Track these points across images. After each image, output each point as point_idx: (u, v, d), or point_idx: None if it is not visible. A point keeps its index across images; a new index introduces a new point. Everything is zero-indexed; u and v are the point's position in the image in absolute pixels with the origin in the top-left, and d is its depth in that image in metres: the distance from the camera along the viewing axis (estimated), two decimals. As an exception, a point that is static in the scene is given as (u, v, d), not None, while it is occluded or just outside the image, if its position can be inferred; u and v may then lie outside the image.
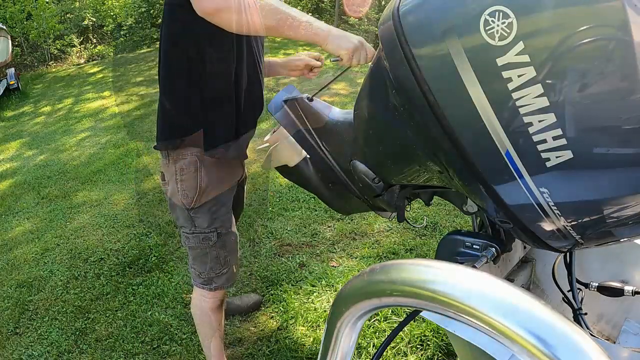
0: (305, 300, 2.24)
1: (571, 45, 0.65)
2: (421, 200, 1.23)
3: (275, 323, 2.14)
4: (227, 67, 1.33)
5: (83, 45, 11.14)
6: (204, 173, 1.42)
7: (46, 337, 2.25)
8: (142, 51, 10.44)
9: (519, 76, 0.68)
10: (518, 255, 1.37)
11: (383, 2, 9.03)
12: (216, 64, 1.31)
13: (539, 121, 0.69)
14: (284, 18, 1.13)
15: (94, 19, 11.55)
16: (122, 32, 11.32)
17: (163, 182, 1.51)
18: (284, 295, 2.29)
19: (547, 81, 0.67)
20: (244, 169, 1.62)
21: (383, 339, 1.54)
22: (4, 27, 8.13)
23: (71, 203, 3.71)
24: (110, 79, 8.26)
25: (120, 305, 2.39)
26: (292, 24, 1.14)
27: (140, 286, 2.51)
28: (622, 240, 0.86)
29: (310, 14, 10.48)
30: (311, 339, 2.00)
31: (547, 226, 0.80)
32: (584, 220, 0.77)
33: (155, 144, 1.45)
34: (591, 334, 1.15)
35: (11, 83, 7.80)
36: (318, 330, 2.09)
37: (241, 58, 1.36)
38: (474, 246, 1.03)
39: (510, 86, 0.69)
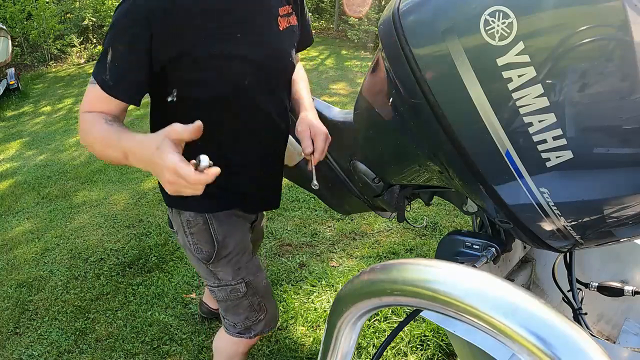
0: (305, 300, 2.24)
1: (571, 45, 0.65)
2: (421, 200, 1.23)
3: (275, 323, 2.14)
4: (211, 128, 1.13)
5: (83, 45, 11.13)
6: (217, 225, 1.26)
7: (46, 337, 2.25)
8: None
9: (519, 76, 0.68)
10: (518, 255, 1.37)
11: (383, 2, 9.03)
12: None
13: (539, 121, 0.69)
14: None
15: (94, 19, 11.54)
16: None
17: (171, 229, 1.35)
18: (284, 295, 2.29)
19: (547, 81, 0.67)
20: None
21: (383, 339, 1.54)
22: (4, 27, 8.12)
23: (71, 203, 3.71)
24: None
25: (120, 305, 2.39)
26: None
27: (140, 286, 2.51)
28: (622, 240, 0.86)
29: (311, 14, 10.47)
30: (311, 339, 2.00)
31: (547, 226, 0.80)
32: (584, 220, 0.77)
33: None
34: (591, 334, 1.15)
35: (11, 83, 7.78)
36: (318, 330, 2.09)
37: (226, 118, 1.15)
38: (474, 246, 1.03)
39: (511, 86, 0.69)
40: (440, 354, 1.84)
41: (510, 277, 1.37)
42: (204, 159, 0.77)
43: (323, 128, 1.18)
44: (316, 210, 3.06)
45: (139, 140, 0.92)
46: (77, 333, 2.24)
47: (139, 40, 0.99)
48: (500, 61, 0.69)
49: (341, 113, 1.31)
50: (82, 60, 10.67)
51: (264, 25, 1.12)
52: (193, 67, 1.04)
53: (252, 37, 1.09)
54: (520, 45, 0.67)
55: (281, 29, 1.15)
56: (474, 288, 0.24)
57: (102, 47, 1.04)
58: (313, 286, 2.33)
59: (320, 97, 1.38)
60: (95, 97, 1.04)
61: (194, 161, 0.78)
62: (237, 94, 1.12)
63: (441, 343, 1.88)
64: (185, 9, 1.00)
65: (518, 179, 0.76)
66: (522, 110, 0.70)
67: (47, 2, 10.80)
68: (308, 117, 1.21)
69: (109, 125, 1.00)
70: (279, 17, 1.14)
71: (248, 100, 1.14)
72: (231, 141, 1.19)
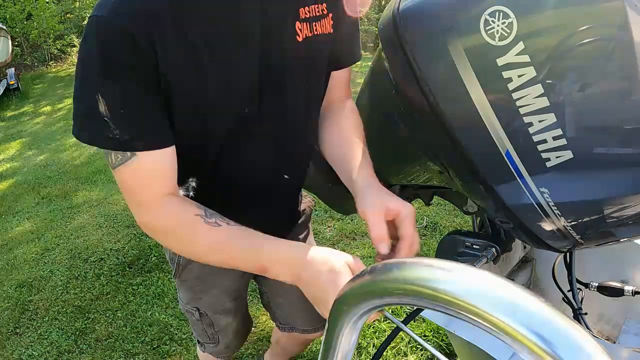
0: (305, 300, 2.24)
1: (571, 45, 0.65)
2: (421, 200, 1.23)
3: (275, 323, 2.14)
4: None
5: (83, 46, 11.14)
6: None
7: (46, 337, 2.25)
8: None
9: (519, 76, 0.68)
10: (518, 255, 1.37)
11: (383, 2, 9.04)
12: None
13: (539, 121, 0.69)
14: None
15: (94, 19, 11.54)
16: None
17: None
18: (284, 295, 2.29)
19: (547, 81, 0.67)
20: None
21: (383, 339, 1.54)
22: (4, 27, 8.12)
23: (71, 203, 3.70)
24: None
25: (120, 305, 2.39)
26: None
27: (140, 286, 2.51)
28: (622, 240, 0.86)
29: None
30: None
31: (547, 226, 0.80)
32: (584, 220, 0.77)
33: None
34: (591, 334, 1.15)
35: (11, 83, 7.79)
36: (318, 330, 2.09)
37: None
38: (474, 246, 1.03)
39: (511, 86, 0.69)
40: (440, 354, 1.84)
41: (510, 277, 1.37)
42: None
43: (407, 205, 0.78)
44: (316, 210, 3.06)
45: (294, 256, 0.71)
46: (77, 333, 2.24)
47: (133, 62, 0.70)
48: (500, 61, 0.69)
49: (341, 113, 1.31)
50: (82, 60, 10.66)
51: (272, 32, 0.79)
52: (184, 90, 0.76)
53: (258, 46, 0.78)
54: (520, 45, 0.67)
55: (300, 38, 0.82)
56: (475, 287, 0.24)
57: (77, 102, 0.74)
58: (313, 286, 2.33)
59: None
60: (130, 177, 0.75)
61: None
62: (234, 121, 0.83)
63: (441, 343, 1.88)
64: (183, 12, 0.72)
65: (518, 179, 0.76)
66: (522, 110, 0.70)
67: (47, 2, 10.81)
68: (381, 193, 0.80)
69: (218, 228, 0.75)
70: (299, 22, 0.81)
71: (246, 129, 0.85)
72: (221, 174, 0.91)
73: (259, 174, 0.93)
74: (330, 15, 0.86)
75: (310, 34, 0.84)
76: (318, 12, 0.84)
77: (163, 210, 0.77)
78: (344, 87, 1.01)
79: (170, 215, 0.77)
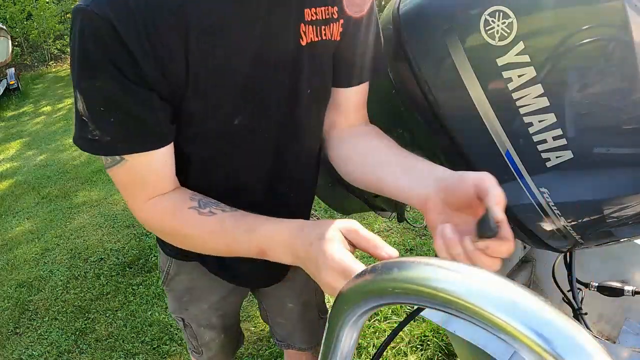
0: (305, 300, 2.24)
1: (571, 45, 0.65)
2: (421, 200, 1.23)
3: (275, 323, 2.14)
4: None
5: (83, 46, 11.16)
6: (174, 261, 1.02)
7: (46, 337, 2.25)
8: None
9: (519, 76, 0.68)
10: (518, 255, 1.37)
11: (383, 2, 9.05)
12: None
13: (539, 121, 0.69)
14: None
15: (94, 19, 11.56)
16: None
17: None
18: (284, 295, 2.29)
19: (547, 81, 0.67)
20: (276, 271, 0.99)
21: (383, 339, 1.54)
22: (4, 27, 8.13)
23: (71, 203, 3.71)
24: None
25: (120, 305, 2.39)
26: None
27: (140, 286, 2.51)
28: (622, 240, 0.86)
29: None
30: (311, 339, 2.00)
31: (547, 226, 0.80)
32: (584, 220, 0.77)
33: None
34: (592, 334, 1.15)
35: (11, 83, 7.79)
36: (318, 330, 2.09)
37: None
38: (474, 246, 1.03)
39: (511, 86, 0.70)
40: (440, 354, 1.84)
41: (510, 277, 1.37)
42: None
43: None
44: (316, 210, 3.07)
45: (289, 231, 0.64)
46: (77, 333, 2.24)
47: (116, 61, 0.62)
48: (500, 61, 0.69)
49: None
50: (82, 61, 10.67)
51: (272, 33, 0.69)
52: (174, 88, 0.67)
53: (257, 50, 0.69)
54: (520, 45, 0.67)
55: (304, 42, 0.72)
56: (475, 285, 0.24)
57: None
58: (313, 286, 2.33)
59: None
60: (123, 179, 0.73)
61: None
62: (225, 127, 0.75)
63: (441, 343, 1.88)
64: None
65: (518, 179, 0.76)
66: (522, 110, 0.70)
67: (47, 2, 10.81)
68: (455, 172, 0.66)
69: (212, 217, 0.70)
70: (303, 24, 0.71)
71: (237, 138, 0.77)
72: (205, 182, 0.81)
73: (258, 186, 0.84)
74: (341, 21, 0.75)
75: (316, 39, 0.73)
76: (327, 15, 0.73)
77: (157, 208, 0.74)
78: (354, 112, 0.85)
79: (164, 213, 0.73)
